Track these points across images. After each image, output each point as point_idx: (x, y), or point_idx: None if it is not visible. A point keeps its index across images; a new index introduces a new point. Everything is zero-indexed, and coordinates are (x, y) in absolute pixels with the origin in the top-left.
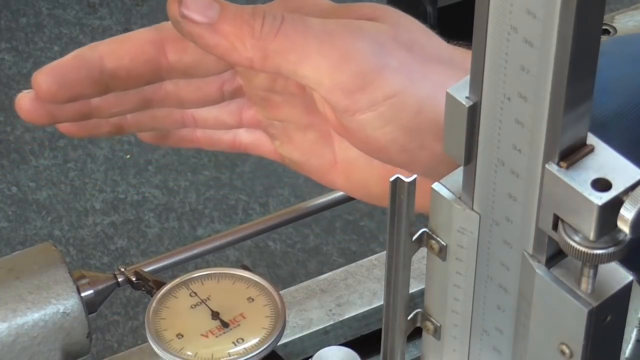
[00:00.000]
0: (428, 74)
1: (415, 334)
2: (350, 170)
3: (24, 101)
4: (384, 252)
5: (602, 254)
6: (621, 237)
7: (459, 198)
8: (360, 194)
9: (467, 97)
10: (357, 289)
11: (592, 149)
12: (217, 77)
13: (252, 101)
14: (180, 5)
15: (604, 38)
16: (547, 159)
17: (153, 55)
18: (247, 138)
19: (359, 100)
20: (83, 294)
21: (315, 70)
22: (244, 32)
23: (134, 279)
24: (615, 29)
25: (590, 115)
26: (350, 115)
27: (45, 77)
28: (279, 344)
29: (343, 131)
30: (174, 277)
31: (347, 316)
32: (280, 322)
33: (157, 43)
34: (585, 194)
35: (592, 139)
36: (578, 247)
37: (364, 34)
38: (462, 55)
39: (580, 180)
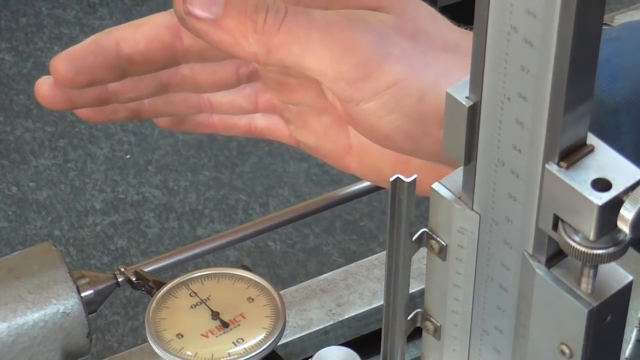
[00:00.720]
0: (431, 61)
1: (415, 334)
2: (364, 155)
3: (43, 87)
4: (384, 252)
5: (602, 254)
6: (621, 237)
7: (459, 198)
8: (374, 178)
9: (467, 97)
10: (357, 289)
11: (592, 149)
12: (232, 60)
13: (267, 84)
14: (184, 2)
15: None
16: (547, 159)
17: (169, 40)
18: (263, 123)
19: (362, 90)
20: (83, 294)
21: (319, 62)
22: (247, 28)
23: (134, 279)
24: None
25: (601, 102)
26: (355, 105)
27: (63, 62)
28: (279, 344)
29: (350, 120)
30: (174, 277)
31: (347, 316)
32: (280, 322)
33: (173, 27)
34: (585, 194)
35: (592, 139)
36: (578, 247)
37: (365, 25)
38: (469, 40)
39: (580, 180)
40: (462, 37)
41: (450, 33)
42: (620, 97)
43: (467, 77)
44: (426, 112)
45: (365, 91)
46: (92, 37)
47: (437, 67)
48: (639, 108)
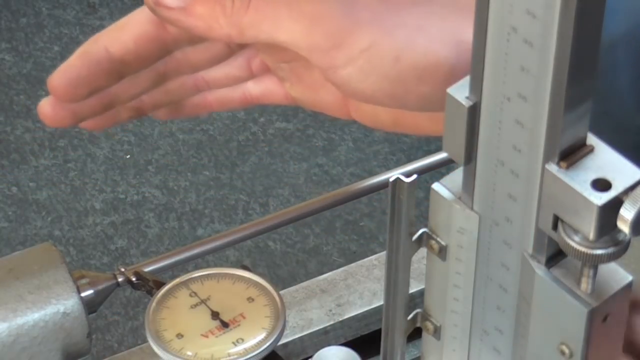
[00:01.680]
0: (403, 19)
1: (415, 334)
2: (359, 103)
3: (46, 108)
4: (384, 252)
5: (602, 254)
6: (621, 237)
7: (459, 198)
8: (372, 122)
9: (467, 97)
10: (357, 289)
11: (592, 149)
12: None
13: (256, 48)
14: None
15: None
16: (547, 159)
17: (155, 33)
18: (257, 90)
19: (336, 58)
20: (83, 294)
21: (290, 35)
22: (216, 12)
23: (134, 279)
24: None
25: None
26: (333, 72)
27: (59, 80)
28: (279, 344)
29: (333, 84)
30: (174, 277)
31: (347, 316)
32: (280, 322)
33: (156, 20)
34: (585, 194)
35: (592, 139)
36: (578, 247)
37: None
38: None
39: (580, 180)
40: None
41: None
42: (615, 33)
43: (467, 77)
44: (404, 71)
45: (340, 58)
46: (81, 49)
47: (409, 23)
48: (637, 41)
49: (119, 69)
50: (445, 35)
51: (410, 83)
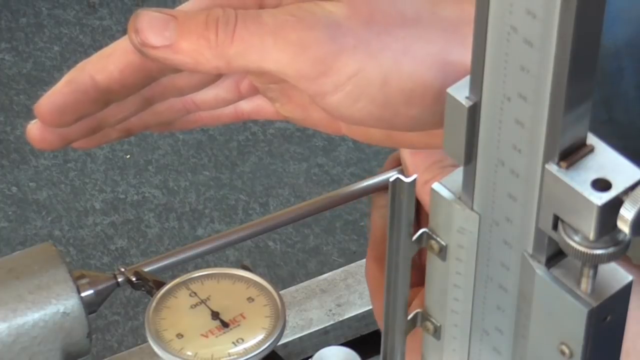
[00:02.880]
0: (389, 43)
1: None
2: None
3: (34, 132)
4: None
5: (602, 254)
6: (621, 237)
7: (459, 198)
8: (363, 139)
9: (467, 97)
10: (357, 289)
11: (592, 149)
12: None
13: (245, 71)
14: (136, 33)
15: None
16: (547, 159)
17: (140, 63)
18: (248, 106)
19: (324, 85)
20: (83, 294)
21: (277, 64)
22: (201, 46)
23: (134, 279)
24: None
25: (602, 45)
26: (322, 99)
27: (46, 107)
28: (279, 344)
29: (323, 110)
30: (174, 277)
31: (347, 316)
32: (280, 322)
33: None
34: (585, 194)
35: (592, 139)
36: (578, 247)
37: (316, 20)
38: (430, 8)
39: (580, 180)
40: (423, 5)
41: (409, 6)
42: (620, 39)
43: (467, 77)
44: (391, 95)
45: (327, 85)
46: (67, 77)
47: (395, 47)
48: None
49: (105, 97)
50: (431, 57)
51: (399, 106)
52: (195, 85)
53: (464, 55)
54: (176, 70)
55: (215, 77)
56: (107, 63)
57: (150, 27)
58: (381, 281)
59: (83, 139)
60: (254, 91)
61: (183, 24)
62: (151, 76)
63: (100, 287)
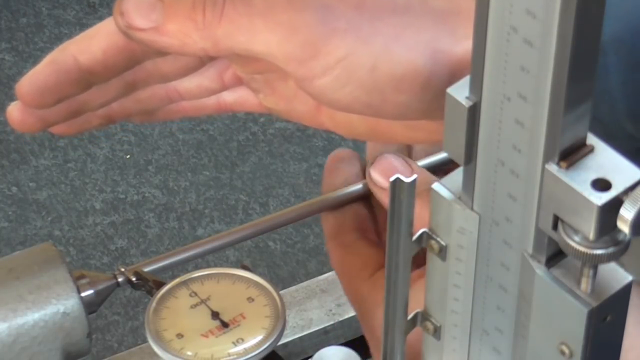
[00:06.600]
0: (380, 29)
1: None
2: (333, 112)
3: (14, 113)
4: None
5: (602, 254)
6: (621, 237)
7: (459, 198)
8: (347, 132)
9: (467, 97)
10: None
11: (592, 149)
12: None
13: (229, 60)
14: (122, 16)
15: None
16: (547, 159)
17: (124, 44)
18: (231, 97)
19: (313, 68)
20: (83, 294)
21: (266, 46)
22: (188, 27)
23: (134, 279)
24: None
25: None
26: (309, 82)
27: (27, 87)
28: (279, 344)
29: (308, 94)
30: (174, 277)
31: (347, 316)
32: (280, 322)
33: None
34: (585, 194)
35: (592, 139)
36: (578, 247)
37: (307, 2)
38: None
39: (580, 180)
40: None
41: None
42: (607, 35)
43: (467, 77)
44: (380, 80)
45: (316, 68)
46: (49, 57)
47: (386, 32)
48: (627, 46)
49: (87, 78)
50: (422, 44)
51: (387, 92)
52: (179, 71)
53: (454, 45)
54: (160, 53)
55: (200, 63)
56: (91, 44)
57: (136, 9)
58: (346, 259)
59: (63, 124)
60: (238, 82)
61: (170, 6)
62: (135, 59)
63: (100, 287)
